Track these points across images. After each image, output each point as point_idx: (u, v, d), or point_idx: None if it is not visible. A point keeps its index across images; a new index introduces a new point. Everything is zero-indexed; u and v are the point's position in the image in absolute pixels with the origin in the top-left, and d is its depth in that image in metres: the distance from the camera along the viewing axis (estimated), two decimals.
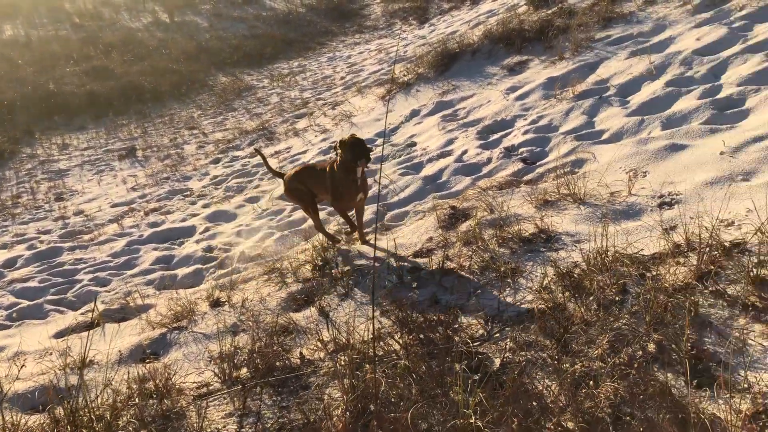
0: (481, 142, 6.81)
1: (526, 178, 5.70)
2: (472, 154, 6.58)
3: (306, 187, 5.37)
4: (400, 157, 7.35)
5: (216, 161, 10.59)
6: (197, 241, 6.92)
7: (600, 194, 4.71)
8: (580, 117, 6.41)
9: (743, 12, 7.05)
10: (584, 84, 7.04)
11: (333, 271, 4.76)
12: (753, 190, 4.07)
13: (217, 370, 3.62)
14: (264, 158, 5.94)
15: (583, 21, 8.54)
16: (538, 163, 5.91)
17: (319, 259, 5.00)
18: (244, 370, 3.60)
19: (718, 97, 5.66)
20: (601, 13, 8.53)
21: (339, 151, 4.91)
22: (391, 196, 6.37)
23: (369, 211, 6.12)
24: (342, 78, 13.65)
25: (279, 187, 7.76)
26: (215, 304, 4.84)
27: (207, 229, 7.21)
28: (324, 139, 9.49)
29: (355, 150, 4.79)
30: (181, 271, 6.20)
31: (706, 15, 7.34)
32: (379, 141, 8.21)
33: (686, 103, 5.77)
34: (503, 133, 6.85)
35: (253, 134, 11.53)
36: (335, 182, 5.05)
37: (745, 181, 4.25)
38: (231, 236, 6.81)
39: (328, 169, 5.15)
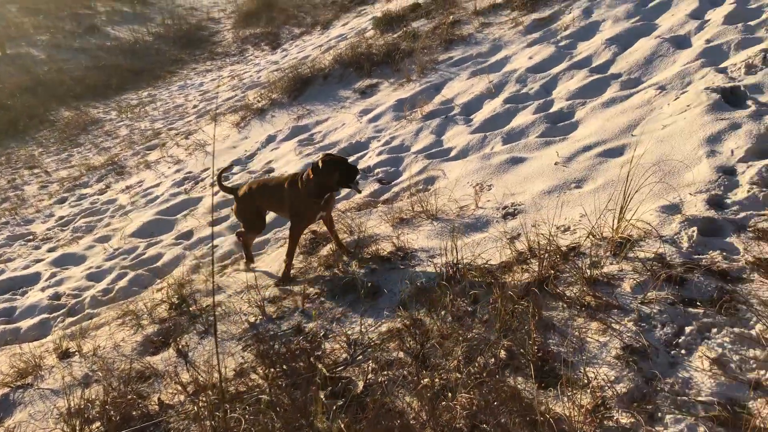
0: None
1: (383, 197, 5.83)
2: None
3: (259, 204, 4.90)
4: None
5: (62, 201, 9.93)
6: (42, 289, 6.42)
7: (450, 209, 4.91)
8: (430, 136, 6.67)
9: (568, 31, 7.67)
10: (431, 104, 7.34)
11: (191, 308, 4.60)
12: (584, 196, 4.42)
13: (66, 428, 3.37)
14: (219, 174, 5.34)
15: (427, 44, 8.92)
16: (393, 183, 6.06)
17: (176, 296, 4.82)
18: (97, 424, 3.38)
19: (550, 111, 6.11)
20: (442, 35, 8.95)
21: (322, 172, 4.29)
22: None
23: (227, 242, 5.99)
24: (195, 106, 13.31)
25: (131, 224, 7.41)
26: (64, 355, 4.51)
27: (53, 275, 6.72)
28: (178, 170, 9.18)
29: (351, 173, 4.32)
30: (25, 323, 5.72)
31: (536, 35, 7.92)
32: (237, 169, 8.07)
33: (523, 118, 6.17)
34: (359, 155, 6.97)
35: (101, 169, 10.94)
36: (299, 202, 4.51)
37: (578, 188, 4.61)
38: (80, 280, 6.39)
39: (286, 185, 4.59)
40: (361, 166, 6.62)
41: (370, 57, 9.31)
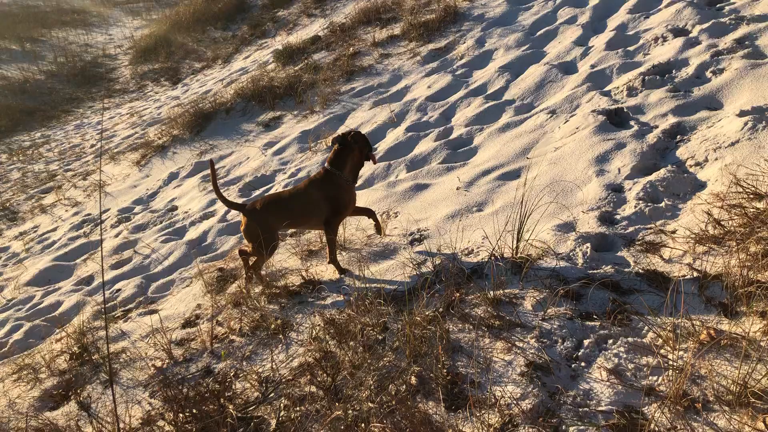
0: (244, 199, 6.80)
1: (290, 231, 5.78)
2: (235, 213, 6.53)
3: (274, 222, 4.34)
4: (161, 223, 7.05)
5: None
6: None
7: (359, 238, 4.94)
8: None
9: (463, 60, 7.95)
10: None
11: (93, 356, 4.39)
12: (485, 219, 4.56)
13: None
14: (215, 179, 4.60)
15: (329, 75, 9.01)
16: None
17: (77, 346, 4.58)
18: None
19: (451, 137, 6.28)
20: (343, 67, 9.06)
21: (358, 142, 4.34)
22: (154, 266, 6.07)
23: (131, 285, 5.77)
24: (92, 146, 12.82)
25: (26, 272, 7.01)
26: None
27: None
28: (76, 213, 8.78)
29: (368, 140, 4.46)
30: None
31: (434, 64, 8.16)
32: (138, 208, 7.81)
33: (425, 145, 6.32)
34: (265, 188, 6.90)
35: None
36: (337, 194, 4.33)
37: (479, 211, 4.75)
38: None
39: (309, 187, 4.33)
40: None
41: (273, 90, 9.29)
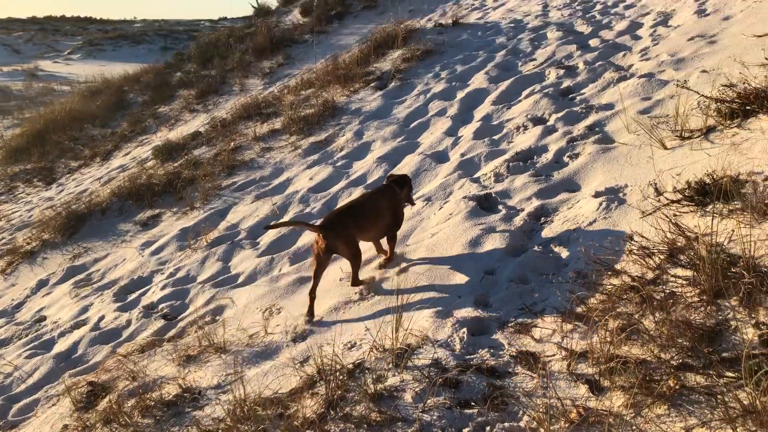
0: (119, 304, 6.47)
1: (168, 335, 5.52)
2: (109, 320, 6.19)
3: (354, 229, 4.78)
4: (26, 336, 6.53)
5: None
6: None
7: (240, 339, 4.79)
8: (216, 264, 6.55)
9: (343, 152, 8.14)
10: (216, 231, 7.27)
11: None
12: (368, 308, 4.58)
13: None
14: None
15: (209, 171, 8.93)
16: (179, 318, 5.80)
17: None
18: None
19: None
20: (224, 162, 9.03)
21: (406, 184, 5.26)
22: (16, 384, 5.57)
23: None
24: None
25: None
26: None
27: None
28: None
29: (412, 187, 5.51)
30: None
31: (315, 156, 8.30)
32: (1, 321, 7.22)
33: (308, 236, 6.32)
34: (142, 291, 6.61)
35: None
36: (400, 207, 5.16)
37: (362, 300, 4.75)
38: None
39: (385, 197, 5.06)
40: (144, 302, 6.28)
41: (151, 187, 9.07)
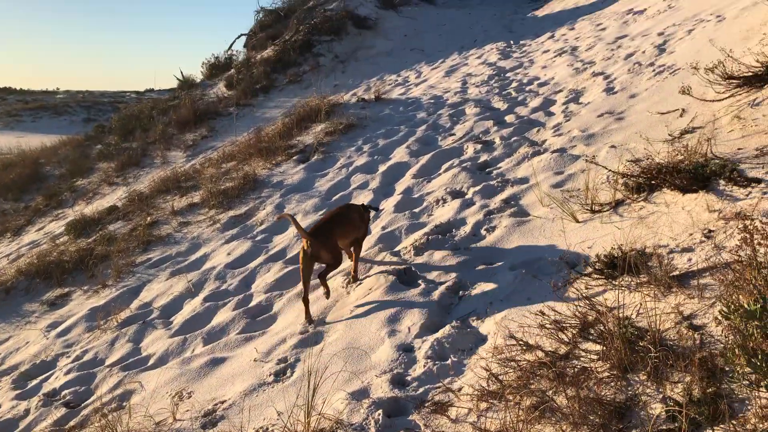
0: (18, 392, 6.00)
1: (69, 425, 5.13)
2: (5, 409, 5.71)
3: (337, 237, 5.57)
4: None
5: None
6: None
7: (146, 427, 4.48)
8: (126, 345, 6.21)
9: (263, 226, 8.01)
10: (128, 310, 6.92)
11: None
12: (283, 391, 4.38)
13: None
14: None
15: (124, 247, 8.60)
16: (83, 405, 5.40)
17: None
18: None
19: (250, 305, 6.13)
20: (140, 237, 8.73)
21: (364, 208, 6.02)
22: None
23: None
24: None
25: None
26: None
27: None
28: None
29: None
30: None
31: (234, 231, 8.13)
32: None
33: (224, 315, 6.09)
34: (44, 376, 6.16)
35: None
36: (367, 223, 6.01)
37: (277, 383, 4.58)
38: None
39: (351, 208, 5.93)
40: (45, 389, 5.84)
41: (62, 264, 8.63)
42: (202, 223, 8.71)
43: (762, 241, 2.72)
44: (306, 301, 5.35)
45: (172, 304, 6.77)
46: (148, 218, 9.38)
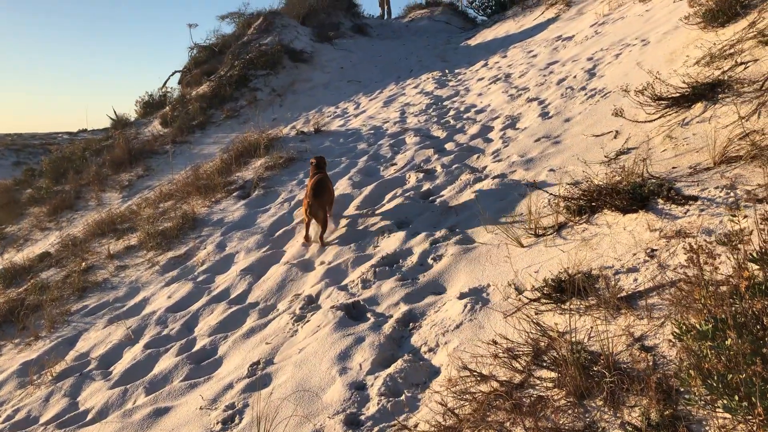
0: None
1: None
2: None
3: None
4: None
5: None
6: None
7: None
8: (63, 400, 5.85)
9: (205, 266, 7.77)
10: (64, 362, 6.56)
11: None
12: None
13: None
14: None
15: (57, 295, 8.20)
16: None
17: None
18: None
19: (194, 350, 5.89)
20: (75, 284, 8.34)
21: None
22: None
23: None
24: None
25: None
26: None
27: None
28: None
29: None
30: None
31: (174, 273, 7.85)
32: None
33: (166, 362, 5.83)
34: None
35: None
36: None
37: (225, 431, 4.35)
38: None
39: (325, 177, 7.69)
40: None
41: None
42: (141, 266, 8.39)
43: (708, 260, 2.75)
44: (307, 237, 7.40)
45: (110, 353, 6.45)
46: (83, 264, 8.98)
